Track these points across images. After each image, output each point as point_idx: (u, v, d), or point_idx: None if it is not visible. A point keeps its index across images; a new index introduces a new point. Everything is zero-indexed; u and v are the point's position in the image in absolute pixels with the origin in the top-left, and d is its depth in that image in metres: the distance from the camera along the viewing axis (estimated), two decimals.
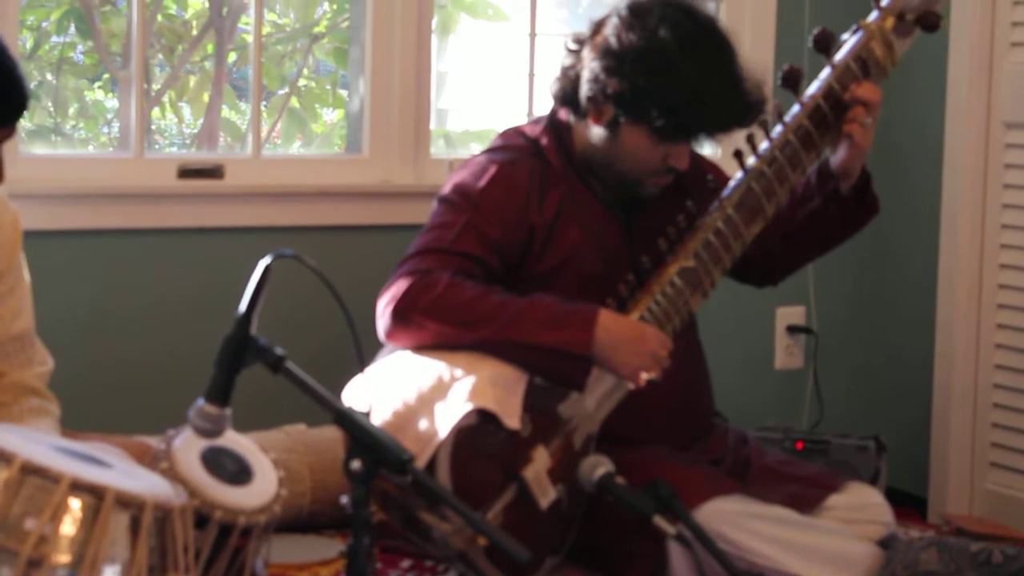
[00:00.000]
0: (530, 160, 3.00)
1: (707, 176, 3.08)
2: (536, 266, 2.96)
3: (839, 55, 3.00)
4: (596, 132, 2.94)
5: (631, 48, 2.85)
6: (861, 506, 3.00)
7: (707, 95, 2.84)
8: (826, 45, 2.97)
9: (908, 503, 4.12)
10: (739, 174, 3.00)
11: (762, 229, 3.00)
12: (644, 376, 2.83)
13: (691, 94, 2.83)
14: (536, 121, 3.10)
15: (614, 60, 2.86)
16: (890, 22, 3.01)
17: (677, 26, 2.85)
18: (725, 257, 2.96)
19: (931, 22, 3.00)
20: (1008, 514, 3.95)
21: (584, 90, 2.91)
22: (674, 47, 2.83)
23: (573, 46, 2.97)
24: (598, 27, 2.94)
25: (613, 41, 2.87)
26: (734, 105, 2.88)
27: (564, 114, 3.01)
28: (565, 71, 2.97)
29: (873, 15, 3.02)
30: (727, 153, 3.01)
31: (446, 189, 3.00)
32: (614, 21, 2.90)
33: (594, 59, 2.89)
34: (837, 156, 3.01)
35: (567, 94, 2.96)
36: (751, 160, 2.99)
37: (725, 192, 3.00)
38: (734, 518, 2.81)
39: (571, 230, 2.97)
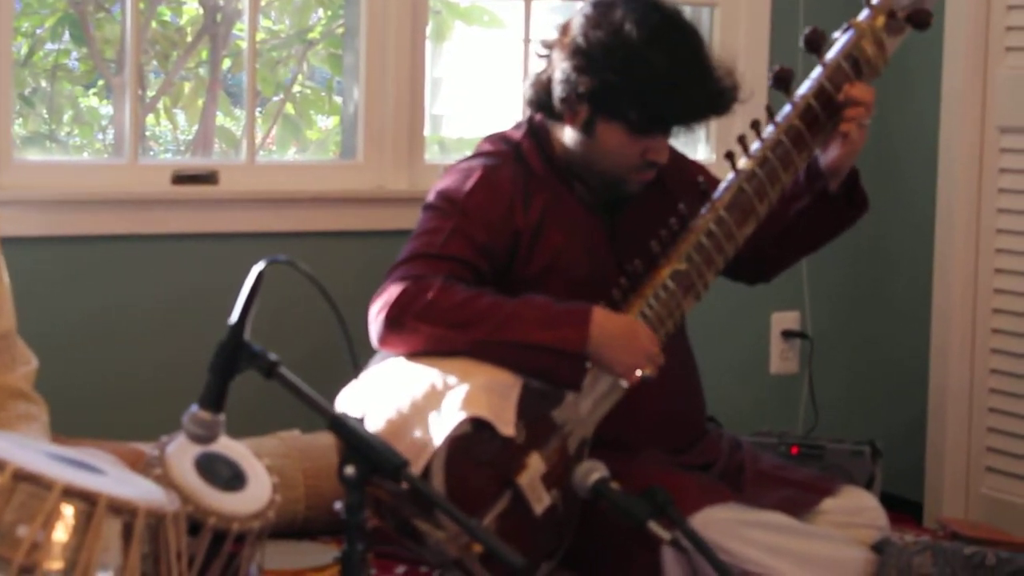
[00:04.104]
0: (513, 165, 3.00)
1: (697, 178, 3.07)
2: (524, 270, 2.96)
3: (830, 54, 2.98)
4: (572, 134, 2.94)
5: (599, 44, 2.85)
6: (856, 510, 3.00)
7: (679, 84, 2.84)
8: (817, 44, 2.96)
9: (903, 508, 4.12)
10: (730, 175, 2.99)
11: (755, 229, 3.00)
12: (638, 373, 2.83)
13: (663, 84, 2.83)
14: (517, 126, 3.10)
15: (583, 58, 2.86)
16: (881, 20, 2.99)
17: (643, 19, 2.85)
18: (718, 259, 2.96)
19: (922, 20, 2.98)
20: (1003, 518, 3.95)
21: (556, 91, 2.91)
22: (642, 40, 2.83)
23: (543, 51, 2.98)
24: (565, 28, 2.94)
25: (580, 40, 2.87)
26: (707, 92, 2.88)
27: (541, 118, 3.01)
28: (537, 76, 2.97)
29: (864, 13, 3.01)
30: (719, 154, 3.00)
31: (431, 196, 3.01)
32: (579, 20, 2.90)
33: (563, 60, 2.89)
34: (828, 155, 3.00)
35: (541, 99, 2.96)
36: (742, 161, 2.98)
37: (716, 194, 2.99)
38: (727, 526, 2.81)
39: (555, 234, 2.97)
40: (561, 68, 2.89)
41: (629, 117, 2.86)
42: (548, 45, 2.97)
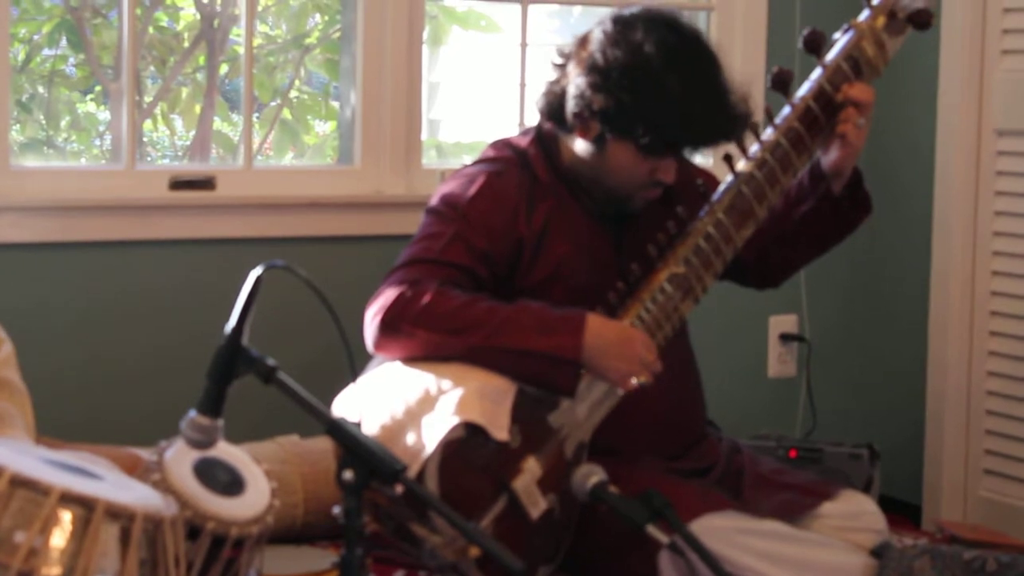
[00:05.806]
0: (518, 172, 2.99)
1: (696, 181, 3.07)
2: (526, 278, 2.95)
3: (830, 55, 2.98)
4: (583, 147, 2.94)
5: (616, 64, 2.84)
6: (854, 514, 2.99)
7: (692, 111, 2.84)
8: (816, 45, 2.96)
9: (902, 511, 4.12)
10: (729, 178, 2.98)
11: (754, 232, 2.99)
12: (633, 381, 2.83)
13: (676, 110, 2.83)
14: (525, 132, 3.09)
15: (599, 76, 2.85)
16: (881, 21, 2.98)
17: (662, 41, 2.84)
18: (716, 262, 2.96)
19: (923, 20, 2.98)
20: (1002, 521, 3.95)
21: (570, 106, 2.90)
22: (659, 63, 2.83)
23: (559, 60, 2.96)
24: (583, 41, 2.92)
25: (598, 57, 2.86)
26: (719, 120, 2.88)
27: (551, 127, 3.00)
28: (551, 86, 2.96)
29: (864, 14, 3.00)
30: (717, 157, 3.00)
31: (434, 201, 3.00)
32: (599, 36, 2.88)
33: (579, 75, 2.88)
34: (829, 157, 3.00)
35: (553, 109, 2.95)
36: (741, 164, 2.98)
37: (715, 196, 2.98)
38: (725, 534, 2.80)
39: (559, 243, 2.97)
40: (576, 83, 2.88)
41: (640, 138, 2.86)
42: (564, 55, 2.96)
